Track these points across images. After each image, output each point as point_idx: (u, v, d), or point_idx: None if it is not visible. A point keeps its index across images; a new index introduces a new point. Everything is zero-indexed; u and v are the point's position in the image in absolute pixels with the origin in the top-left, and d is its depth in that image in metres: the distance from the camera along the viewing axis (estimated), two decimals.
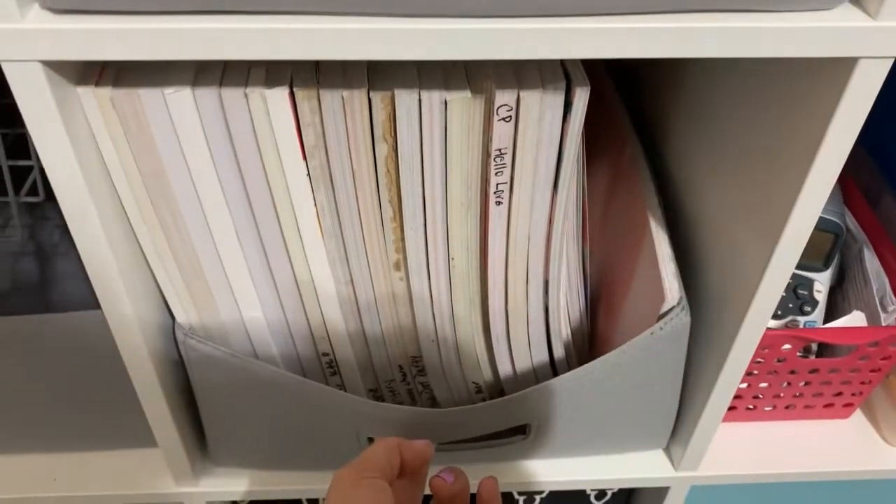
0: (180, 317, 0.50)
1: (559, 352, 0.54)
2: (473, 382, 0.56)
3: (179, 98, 0.38)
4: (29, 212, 0.52)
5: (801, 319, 0.60)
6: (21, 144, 0.47)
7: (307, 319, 0.51)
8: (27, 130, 0.36)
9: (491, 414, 0.53)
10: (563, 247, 0.49)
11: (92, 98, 0.38)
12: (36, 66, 0.33)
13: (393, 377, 0.56)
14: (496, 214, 0.45)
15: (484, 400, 0.58)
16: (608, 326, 0.56)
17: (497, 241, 0.46)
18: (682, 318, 0.48)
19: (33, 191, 0.48)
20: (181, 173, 0.42)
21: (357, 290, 0.50)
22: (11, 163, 0.46)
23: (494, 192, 0.44)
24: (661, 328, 0.48)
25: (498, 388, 0.57)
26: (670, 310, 0.48)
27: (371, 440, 0.56)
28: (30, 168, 0.48)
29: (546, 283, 0.49)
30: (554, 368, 0.55)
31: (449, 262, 0.48)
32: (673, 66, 0.58)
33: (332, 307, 0.50)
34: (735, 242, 0.48)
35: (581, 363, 0.51)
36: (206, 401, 0.55)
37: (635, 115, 0.61)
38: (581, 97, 0.39)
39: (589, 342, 0.58)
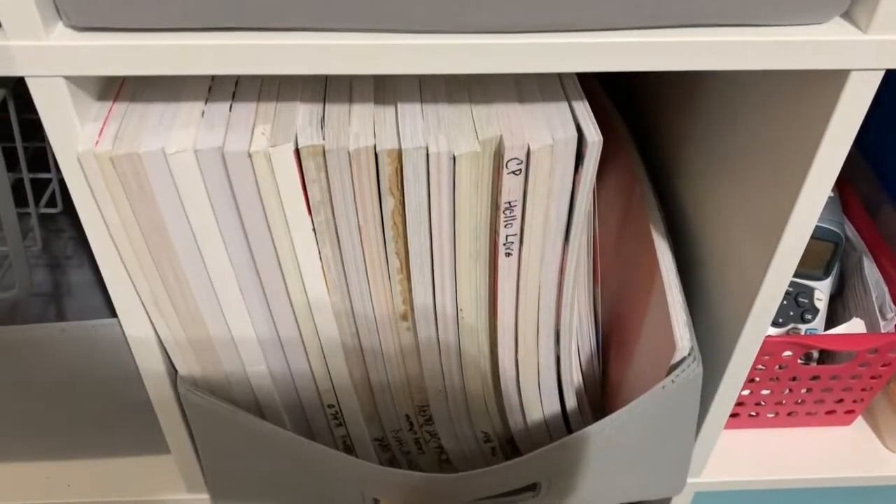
0: (181, 368, 0.49)
1: (571, 401, 0.53)
2: (482, 431, 0.55)
3: (181, 158, 0.37)
4: (43, 224, 0.52)
5: (803, 327, 0.61)
6: (39, 157, 0.48)
7: (311, 372, 0.50)
8: (47, 143, 0.37)
9: (500, 477, 0.51)
10: (575, 294, 0.48)
11: (92, 159, 0.37)
12: (59, 82, 0.35)
13: (400, 426, 0.55)
14: (506, 265, 0.44)
15: (493, 449, 0.57)
16: (619, 371, 0.55)
17: (507, 292, 0.45)
18: (694, 370, 0.47)
19: (51, 202, 0.49)
20: (183, 229, 0.41)
21: (363, 342, 0.49)
22: (32, 175, 0.47)
23: (504, 244, 0.43)
24: (672, 381, 0.47)
25: (507, 437, 0.56)
26: (681, 361, 0.47)
27: (376, 501, 0.54)
28: (48, 181, 0.49)
29: (557, 332, 0.48)
30: (565, 417, 0.54)
31: (457, 313, 0.47)
32: (671, 80, 0.59)
33: (338, 359, 0.49)
34: (734, 250, 0.48)
35: (593, 410, 0.50)
36: (207, 453, 0.53)
37: (633, 131, 0.62)
38: (593, 150, 0.38)
39: (601, 387, 0.57)
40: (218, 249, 0.42)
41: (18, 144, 0.45)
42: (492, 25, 0.34)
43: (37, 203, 0.48)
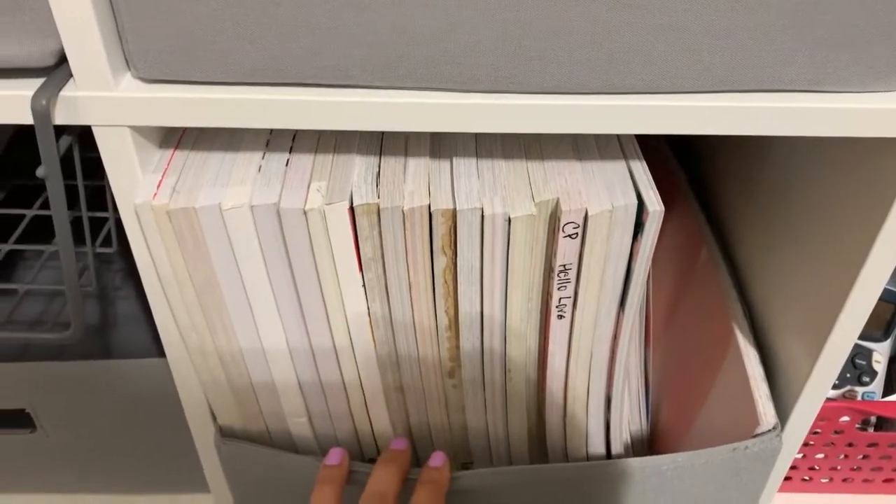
0: (221, 418, 0.49)
1: None
2: None
3: (237, 214, 0.37)
4: (96, 257, 0.53)
5: (860, 390, 0.59)
6: (94, 196, 0.48)
7: (354, 425, 0.49)
8: (106, 183, 0.38)
9: (544, 478, 0.48)
10: (629, 360, 0.47)
11: (149, 211, 0.37)
12: (125, 131, 0.36)
13: None
14: (558, 328, 0.43)
15: None
16: (671, 442, 0.53)
17: (557, 355, 0.44)
18: (775, 443, 0.45)
19: (106, 242, 0.49)
20: (234, 283, 0.41)
21: (408, 396, 0.48)
22: (90, 214, 0.47)
23: (557, 307, 0.42)
24: (746, 447, 0.45)
25: None
26: (762, 434, 0.45)
27: None
28: (103, 219, 0.50)
29: (608, 398, 0.47)
30: None
31: (505, 375, 0.46)
32: (734, 141, 0.57)
33: (381, 414, 0.48)
34: (795, 314, 0.47)
35: None
36: (243, 501, 0.53)
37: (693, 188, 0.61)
38: (654, 220, 0.37)
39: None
40: (267, 302, 0.42)
41: (80, 186, 0.45)
42: (557, 86, 0.34)
43: (92, 242, 0.49)
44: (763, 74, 0.34)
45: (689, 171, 0.63)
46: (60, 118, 0.35)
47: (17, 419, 0.56)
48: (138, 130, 0.37)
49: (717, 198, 0.60)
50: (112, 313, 0.56)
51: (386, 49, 0.33)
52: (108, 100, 0.34)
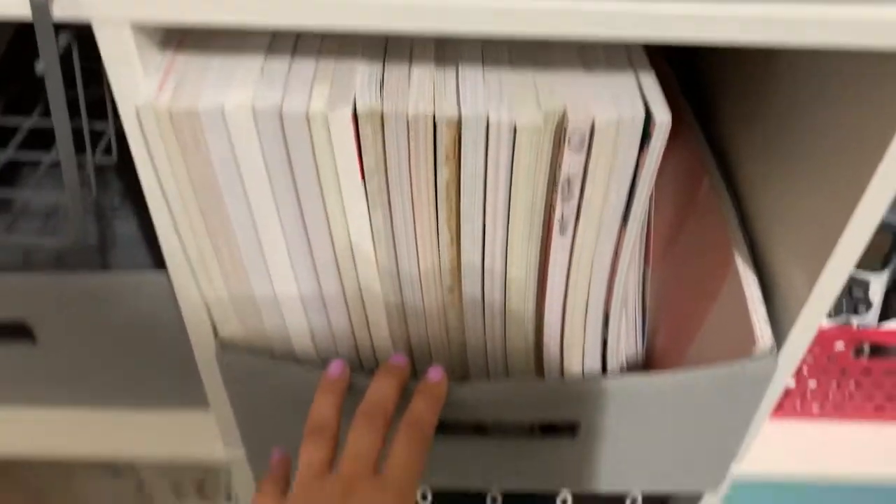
0: (222, 329, 0.49)
1: None
2: None
3: (239, 116, 0.37)
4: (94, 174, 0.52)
5: (855, 320, 0.60)
6: (94, 107, 0.48)
7: (355, 341, 0.50)
8: (106, 92, 0.38)
9: (539, 392, 0.49)
10: (628, 277, 0.47)
11: (151, 112, 0.37)
12: (126, 29, 0.34)
13: None
14: (559, 244, 0.43)
15: (531, 430, 0.56)
16: (666, 365, 0.54)
17: (558, 270, 0.44)
18: (771, 365, 0.45)
19: (106, 153, 0.49)
20: (235, 188, 0.41)
21: (407, 310, 0.48)
22: (90, 124, 0.47)
23: (559, 221, 0.42)
24: (742, 368, 0.45)
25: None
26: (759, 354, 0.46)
27: None
28: (101, 131, 0.49)
29: (606, 315, 0.47)
30: None
31: (505, 290, 0.46)
32: (738, 60, 0.56)
33: (381, 330, 0.49)
34: (793, 239, 0.47)
35: None
36: (242, 413, 0.54)
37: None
38: (661, 131, 0.37)
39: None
40: (268, 209, 0.41)
41: (80, 92, 0.45)
42: None
43: (93, 153, 0.49)
44: None
45: (692, 98, 0.62)
46: (59, 12, 0.34)
47: (17, 331, 0.56)
48: (139, 29, 0.36)
49: (720, 125, 0.60)
50: (112, 233, 0.56)
51: None
52: None
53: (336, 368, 0.46)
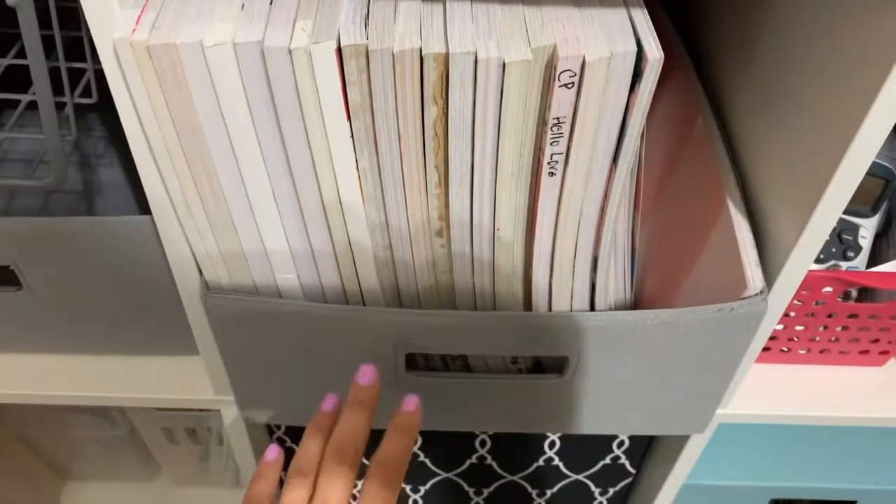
0: (209, 275, 0.49)
1: None
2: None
3: (219, 52, 0.36)
4: (76, 120, 0.51)
5: (844, 265, 0.60)
6: (73, 46, 0.47)
7: (342, 282, 0.49)
8: (84, 31, 0.37)
9: (529, 325, 0.49)
10: (617, 220, 0.46)
11: (128, 47, 0.36)
12: None
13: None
14: (548, 185, 0.42)
15: (519, 370, 0.57)
16: (657, 306, 0.54)
17: (547, 212, 0.44)
18: (760, 306, 0.45)
19: (86, 93, 0.47)
20: (217, 127, 0.40)
21: (395, 254, 0.48)
22: (68, 64, 0.46)
23: (548, 163, 0.41)
24: (732, 308, 0.46)
25: (535, 360, 0.55)
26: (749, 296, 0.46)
27: (409, 356, 0.53)
28: (82, 71, 0.48)
29: (595, 258, 0.47)
30: None
31: (494, 232, 0.45)
32: (728, 8, 0.55)
33: (369, 271, 0.48)
34: (783, 181, 0.46)
35: None
36: (231, 359, 0.54)
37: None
38: (653, 68, 0.36)
39: None
40: (252, 150, 0.41)
41: (56, 32, 0.43)
42: None
43: (72, 92, 0.48)
44: None
45: (686, 37, 0.61)
46: None
47: (2, 276, 0.56)
48: None
49: (712, 65, 0.59)
50: (97, 180, 0.55)
51: None
52: None
53: (330, 403, 0.44)
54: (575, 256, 0.46)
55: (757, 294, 0.46)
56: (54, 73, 0.45)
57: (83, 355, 0.64)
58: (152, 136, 0.40)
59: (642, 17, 0.38)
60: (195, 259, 0.48)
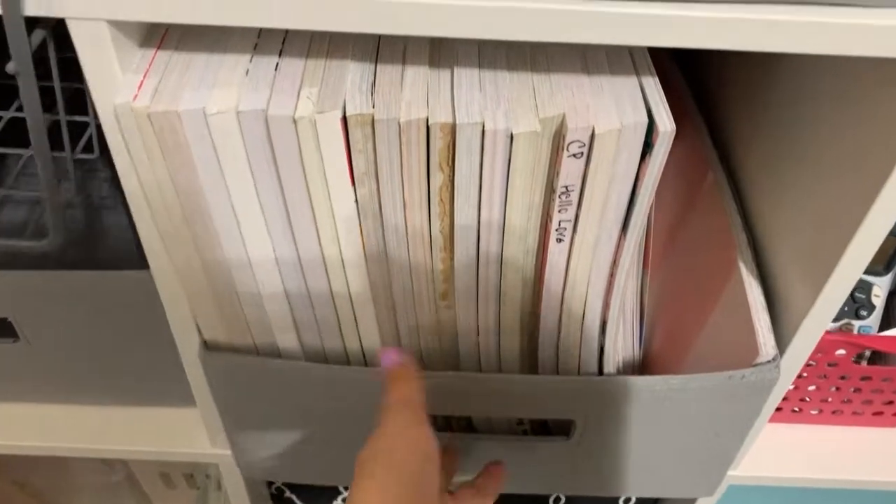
0: (207, 333, 0.48)
1: None
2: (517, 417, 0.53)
3: (222, 119, 0.35)
4: (79, 164, 0.51)
5: (856, 324, 0.59)
6: (76, 99, 0.46)
7: (343, 342, 0.48)
8: (85, 86, 0.36)
9: (537, 388, 0.48)
10: (626, 285, 0.45)
11: (129, 113, 0.35)
12: (101, 25, 0.33)
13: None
14: (556, 251, 0.41)
15: (525, 431, 0.55)
16: (664, 369, 0.53)
17: (554, 278, 0.43)
18: (772, 373, 0.44)
19: (88, 148, 0.47)
20: (219, 193, 0.39)
21: (399, 317, 0.47)
22: (69, 118, 0.45)
23: (556, 229, 0.40)
24: (743, 376, 0.44)
25: (540, 423, 0.54)
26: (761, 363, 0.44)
27: None
28: (84, 124, 0.47)
29: (604, 323, 0.46)
30: None
31: (500, 296, 0.44)
32: (745, 62, 0.55)
33: (371, 332, 0.47)
34: (800, 244, 0.45)
35: None
36: (229, 416, 0.53)
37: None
38: (664, 140, 0.35)
39: None
40: (255, 216, 0.40)
41: (57, 86, 0.43)
42: None
43: (73, 147, 0.47)
44: None
45: (696, 91, 0.60)
46: (32, 9, 0.32)
47: (0, 328, 0.55)
48: (117, 25, 0.34)
49: (723, 120, 0.58)
50: (98, 223, 0.54)
51: None
52: None
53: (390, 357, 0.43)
54: (583, 322, 0.45)
55: (769, 361, 0.45)
56: (56, 126, 0.44)
57: (80, 405, 0.63)
58: (152, 197, 0.40)
59: (653, 86, 0.37)
60: (194, 318, 0.47)
